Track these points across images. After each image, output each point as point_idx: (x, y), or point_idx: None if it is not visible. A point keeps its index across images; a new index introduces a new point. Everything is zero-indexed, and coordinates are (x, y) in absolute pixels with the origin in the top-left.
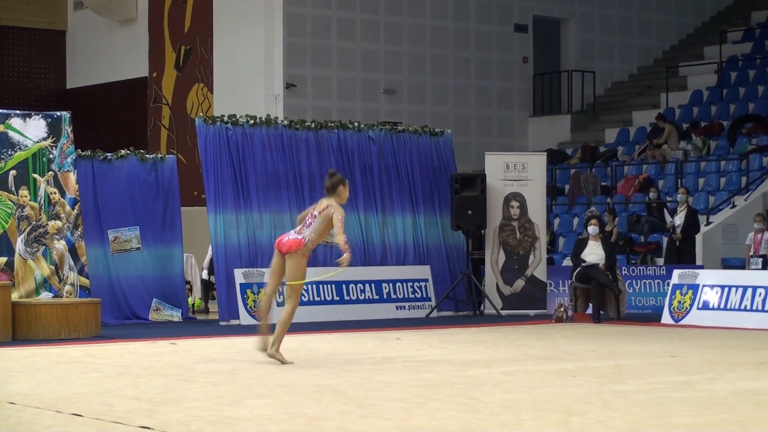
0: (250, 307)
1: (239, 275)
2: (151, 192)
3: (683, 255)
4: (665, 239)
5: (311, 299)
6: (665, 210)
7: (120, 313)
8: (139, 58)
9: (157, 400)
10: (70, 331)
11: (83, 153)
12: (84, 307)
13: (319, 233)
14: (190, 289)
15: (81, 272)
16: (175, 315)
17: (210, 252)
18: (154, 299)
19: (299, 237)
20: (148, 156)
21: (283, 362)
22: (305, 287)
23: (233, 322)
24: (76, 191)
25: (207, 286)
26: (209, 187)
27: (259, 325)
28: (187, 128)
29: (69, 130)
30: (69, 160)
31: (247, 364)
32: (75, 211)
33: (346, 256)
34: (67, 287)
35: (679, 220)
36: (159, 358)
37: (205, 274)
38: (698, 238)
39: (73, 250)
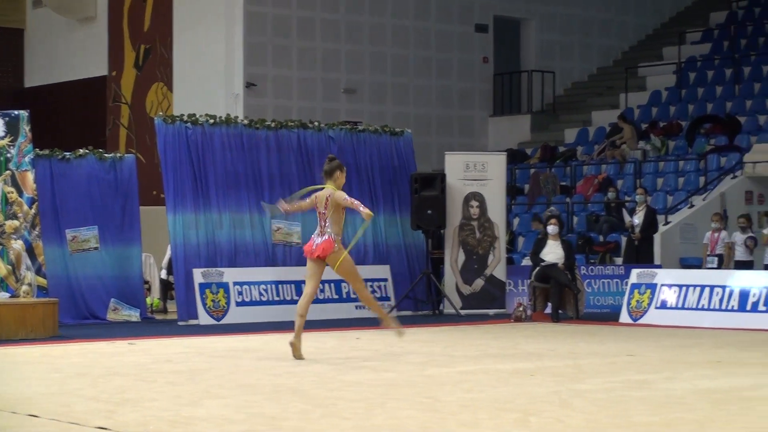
0: (208, 307)
1: (198, 275)
2: (109, 191)
3: (642, 254)
4: (624, 239)
5: (271, 299)
6: (624, 210)
7: (78, 313)
8: (99, 56)
9: (115, 401)
10: (28, 332)
11: (41, 152)
12: (41, 307)
13: (338, 223)
14: (149, 289)
15: (38, 272)
16: (134, 315)
17: (169, 252)
18: (113, 299)
19: (327, 237)
20: (107, 155)
21: (399, 331)
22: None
23: (192, 321)
24: (34, 190)
25: (166, 286)
26: (168, 186)
27: (296, 328)
28: (146, 127)
29: (27, 129)
30: (27, 159)
31: (205, 364)
32: (32, 210)
33: (366, 211)
34: (24, 287)
35: (638, 219)
36: (117, 358)
37: (163, 274)
38: (656, 237)
39: (30, 250)
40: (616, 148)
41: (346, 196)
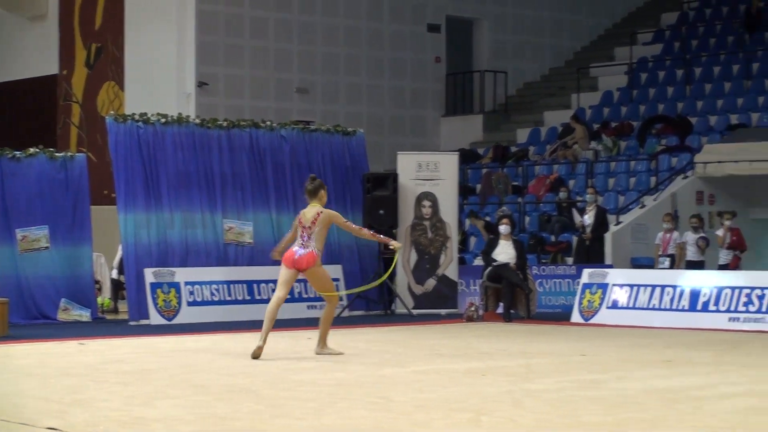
0: (160, 307)
1: (149, 275)
2: (60, 191)
3: (592, 254)
4: (575, 239)
5: (223, 299)
6: (574, 210)
7: (28, 313)
8: (49, 55)
9: (65, 401)
10: None
11: None
12: None
13: (321, 240)
14: (100, 289)
15: None
16: (84, 315)
17: (120, 251)
18: (63, 299)
19: (310, 251)
20: (57, 154)
21: (335, 353)
22: (218, 287)
23: (143, 321)
24: None
25: (116, 286)
26: (119, 185)
27: (263, 331)
28: (97, 126)
29: None
30: None
31: (157, 365)
32: None
33: (395, 243)
34: None
35: (588, 219)
36: (68, 358)
37: (114, 274)
38: (608, 237)
39: None
40: (568, 148)
41: (344, 220)
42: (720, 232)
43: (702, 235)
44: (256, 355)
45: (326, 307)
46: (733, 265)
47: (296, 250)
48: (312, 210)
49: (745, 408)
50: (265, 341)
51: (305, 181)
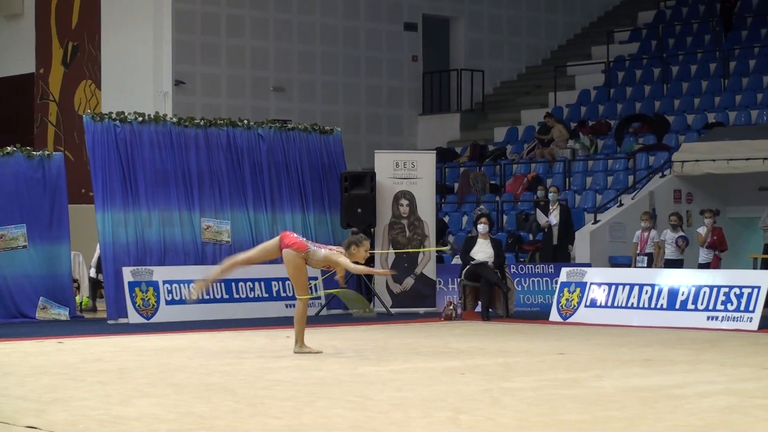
0: (138, 306)
1: (127, 273)
2: (38, 189)
3: (560, 253)
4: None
5: (200, 297)
6: (538, 210)
7: (6, 311)
8: (26, 54)
9: (44, 400)
10: None
11: None
12: None
13: (319, 260)
14: (78, 288)
15: None
16: (63, 314)
17: (98, 250)
18: (41, 298)
19: (305, 242)
20: (34, 153)
21: (313, 352)
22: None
23: (121, 320)
24: None
25: (95, 285)
26: (97, 184)
27: (209, 275)
28: (74, 125)
29: None
30: None
31: (135, 363)
32: None
33: (385, 272)
34: None
35: (555, 219)
36: (46, 357)
37: (92, 272)
38: (586, 235)
39: None
40: (546, 147)
41: (349, 263)
42: (701, 230)
43: (681, 234)
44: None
45: (297, 306)
46: (713, 265)
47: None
48: (339, 250)
49: (724, 406)
50: (206, 282)
51: (279, 179)
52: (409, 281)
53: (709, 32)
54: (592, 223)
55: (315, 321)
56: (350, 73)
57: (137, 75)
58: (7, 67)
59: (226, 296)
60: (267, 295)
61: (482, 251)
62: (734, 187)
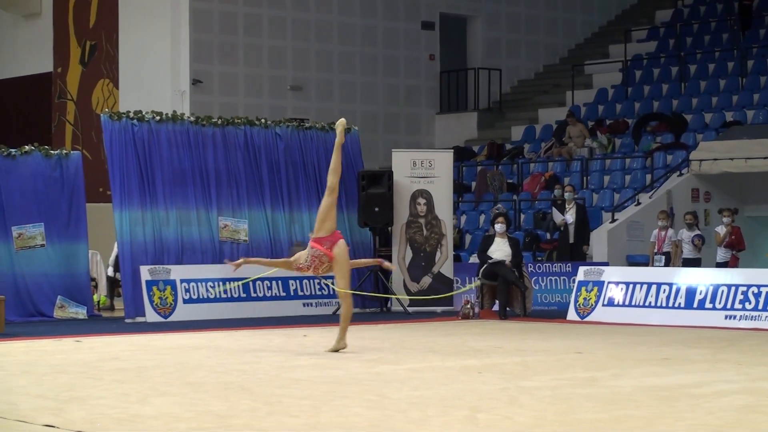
0: (156, 304)
1: (145, 272)
2: (56, 188)
3: (576, 252)
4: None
5: (218, 296)
6: (554, 208)
7: (24, 310)
8: (44, 53)
9: (62, 398)
10: None
11: None
12: None
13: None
14: (96, 286)
15: None
16: (80, 312)
17: (116, 249)
18: (59, 296)
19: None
20: (52, 152)
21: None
22: (214, 284)
23: (139, 319)
24: None
25: (112, 283)
26: (115, 183)
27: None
28: (92, 124)
29: None
30: None
31: (153, 362)
32: None
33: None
34: None
35: (571, 218)
36: (64, 355)
37: (110, 271)
38: (604, 234)
39: None
40: (564, 145)
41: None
42: (720, 229)
43: (697, 232)
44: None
45: (349, 302)
46: (731, 264)
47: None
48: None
49: (742, 405)
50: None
51: (297, 178)
52: (426, 280)
53: (727, 31)
54: (610, 222)
55: (332, 320)
56: (368, 72)
57: (155, 74)
58: (25, 66)
59: (243, 295)
60: (284, 294)
61: (499, 250)
62: (752, 185)
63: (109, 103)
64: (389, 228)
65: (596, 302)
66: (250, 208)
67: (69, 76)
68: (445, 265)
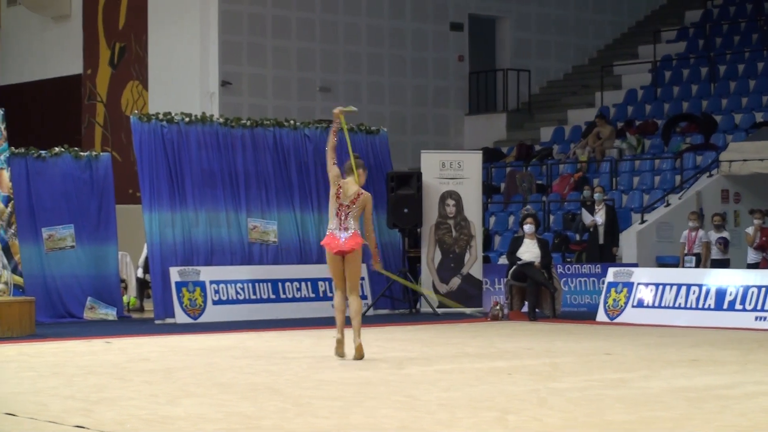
0: (185, 306)
1: (175, 273)
2: (85, 190)
3: (606, 254)
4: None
5: (248, 297)
6: (583, 209)
7: (54, 311)
8: (73, 55)
9: (91, 399)
10: (4, 330)
11: (17, 150)
12: (18, 305)
13: (358, 219)
14: (125, 288)
15: (14, 270)
16: (110, 313)
17: (145, 250)
18: (89, 298)
19: (353, 232)
20: (82, 154)
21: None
22: (243, 285)
23: (168, 320)
24: (10, 189)
25: (142, 285)
26: (144, 184)
27: (338, 325)
28: (121, 126)
29: (2, 128)
30: (2, 157)
31: (182, 363)
32: (8, 209)
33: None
34: (1, 286)
35: (601, 219)
36: (94, 357)
37: (140, 273)
38: (633, 235)
39: (6, 249)
40: (598, 140)
41: (372, 221)
42: (750, 230)
43: (722, 235)
44: (340, 353)
45: (359, 301)
46: (762, 266)
47: (338, 234)
48: (353, 188)
49: None
50: (343, 334)
51: (326, 179)
52: (455, 281)
53: (757, 31)
54: (639, 223)
55: (361, 321)
56: (396, 74)
57: (184, 76)
58: (55, 68)
59: (272, 296)
60: (314, 296)
61: (529, 251)
62: None
63: (138, 105)
64: (418, 229)
65: (626, 303)
66: (279, 210)
67: (98, 78)
68: (474, 267)
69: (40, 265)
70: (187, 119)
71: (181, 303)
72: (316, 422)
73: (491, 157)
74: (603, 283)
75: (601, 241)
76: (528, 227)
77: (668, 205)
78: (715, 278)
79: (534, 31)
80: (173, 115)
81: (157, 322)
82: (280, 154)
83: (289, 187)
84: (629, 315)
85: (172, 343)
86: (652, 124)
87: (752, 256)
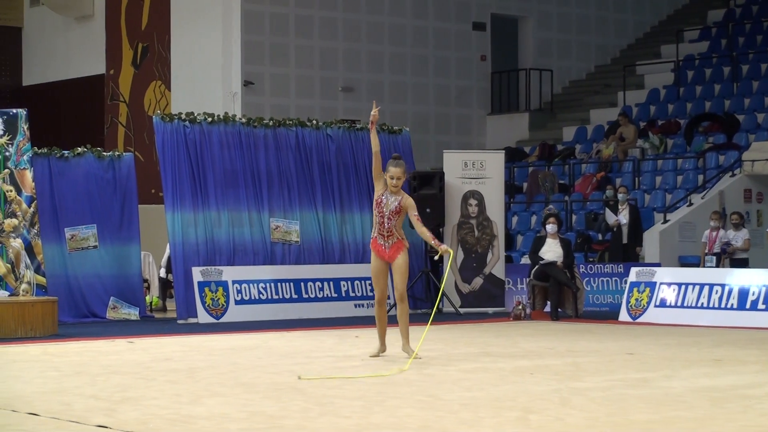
0: (208, 305)
1: (197, 273)
2: (108, 190)
3: (629, 253)
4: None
5: (270, 297)
6: (607, 209)
7: (77, 311)
8: (96, 55)
9: (114, 399)
10: (27, 330)
11: (40, 150)
12: (41, 305)
13: (401, 225)
14: (148, 288)
15: (37, 270)
16: (133, 313)
17: (168, 250)
18: (112, 297)
19: (396, 241)
20: (105, 154)
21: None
22: (266, 285)
23: (191, 320)
24: (33, 189)
25: (165, 285)
26: (167, 184)
27: (380, 334)
28: (144, 126)
29: (25, 128)
30: (25, 157)
31: (205, 363)
32: (31, 209)
33: (444, 246)
34: (24, 286)
35: (624, 219)
36: (116, 356)
37: (162, 272)
38: (656, 235)
39: (29, 248)
40: (621, 141)
41: (418, 217)
42: None
43: (740, 234)
44: (379, 352)
45: (405, 306)
46: None
47: (381, 242)
48: (394, 199)
49: None
50: (384, 344)
51: (348, 179)
52: (478, 281)
53: None
54: (662, 223)
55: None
56: (419, 73)
57: (206, 76)
58: (78, 68)
59: (294, 296)
60: (336, 295)
61: (551, 251)
62: None
63: (161, 105)
64: (441, 229)
65: (648, 303)
66: (301, 210)
67: (121, 78)
68: (497, 266)
69: (62, 265)
70: (209, 119)
71: (203, 303)
72: (339, 422)
73: (514, 156)
74: (625, 282)
75: (624, 240)
76: (550, 227)
77: (691, 204)
78: (738, 278)
79: (556, 31)
80: (196, 115)
81: (179, 321)
82: (303, 153)
83: (312, 186)
84: (652, 315)
85: (194, 343)
86: (675, 123)
87: None
